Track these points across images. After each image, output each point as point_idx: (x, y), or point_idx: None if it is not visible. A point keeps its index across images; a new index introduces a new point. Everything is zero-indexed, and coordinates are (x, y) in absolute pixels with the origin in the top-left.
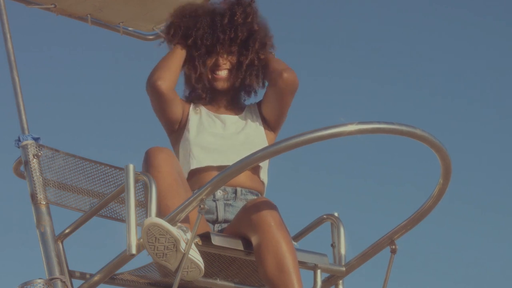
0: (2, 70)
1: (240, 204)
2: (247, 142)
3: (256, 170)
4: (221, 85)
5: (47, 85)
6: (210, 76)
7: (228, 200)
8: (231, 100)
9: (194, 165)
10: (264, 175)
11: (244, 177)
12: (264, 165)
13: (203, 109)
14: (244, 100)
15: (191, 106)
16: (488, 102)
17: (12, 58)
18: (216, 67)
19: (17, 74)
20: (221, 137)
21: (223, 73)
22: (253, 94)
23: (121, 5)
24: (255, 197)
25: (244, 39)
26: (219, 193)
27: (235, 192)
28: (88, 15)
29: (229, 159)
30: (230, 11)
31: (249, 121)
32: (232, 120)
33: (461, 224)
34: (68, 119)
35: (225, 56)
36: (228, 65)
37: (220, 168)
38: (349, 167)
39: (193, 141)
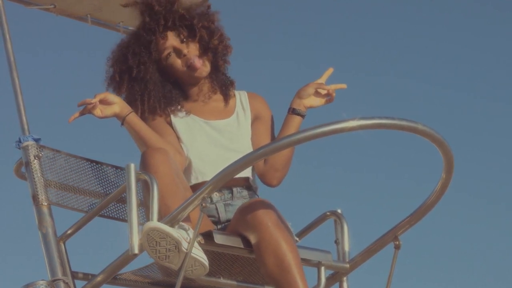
0: (2, 71)
1: (238, 202)
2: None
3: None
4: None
5: (47, 86)
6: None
7: (226, 200)
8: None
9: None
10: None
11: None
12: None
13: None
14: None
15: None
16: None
17: (12, 59)
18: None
19: (17, 75)
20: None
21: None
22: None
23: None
24: (253, 194)
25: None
26: (215, 196)
27: (231, 192)
28: (88, 15)
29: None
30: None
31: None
32: (221, 125)
33: (466, 218)
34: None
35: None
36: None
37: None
38: (352, 163)
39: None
